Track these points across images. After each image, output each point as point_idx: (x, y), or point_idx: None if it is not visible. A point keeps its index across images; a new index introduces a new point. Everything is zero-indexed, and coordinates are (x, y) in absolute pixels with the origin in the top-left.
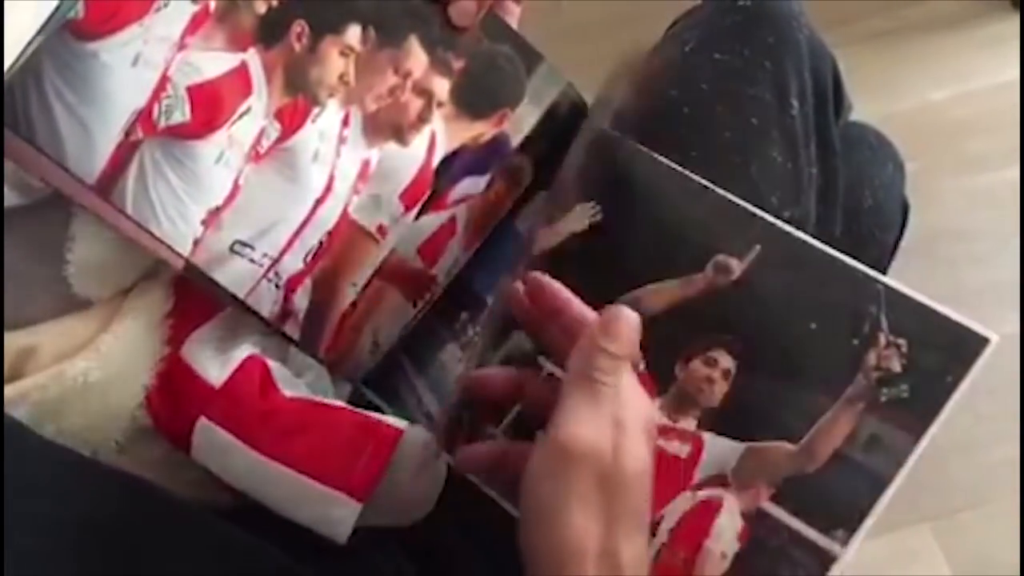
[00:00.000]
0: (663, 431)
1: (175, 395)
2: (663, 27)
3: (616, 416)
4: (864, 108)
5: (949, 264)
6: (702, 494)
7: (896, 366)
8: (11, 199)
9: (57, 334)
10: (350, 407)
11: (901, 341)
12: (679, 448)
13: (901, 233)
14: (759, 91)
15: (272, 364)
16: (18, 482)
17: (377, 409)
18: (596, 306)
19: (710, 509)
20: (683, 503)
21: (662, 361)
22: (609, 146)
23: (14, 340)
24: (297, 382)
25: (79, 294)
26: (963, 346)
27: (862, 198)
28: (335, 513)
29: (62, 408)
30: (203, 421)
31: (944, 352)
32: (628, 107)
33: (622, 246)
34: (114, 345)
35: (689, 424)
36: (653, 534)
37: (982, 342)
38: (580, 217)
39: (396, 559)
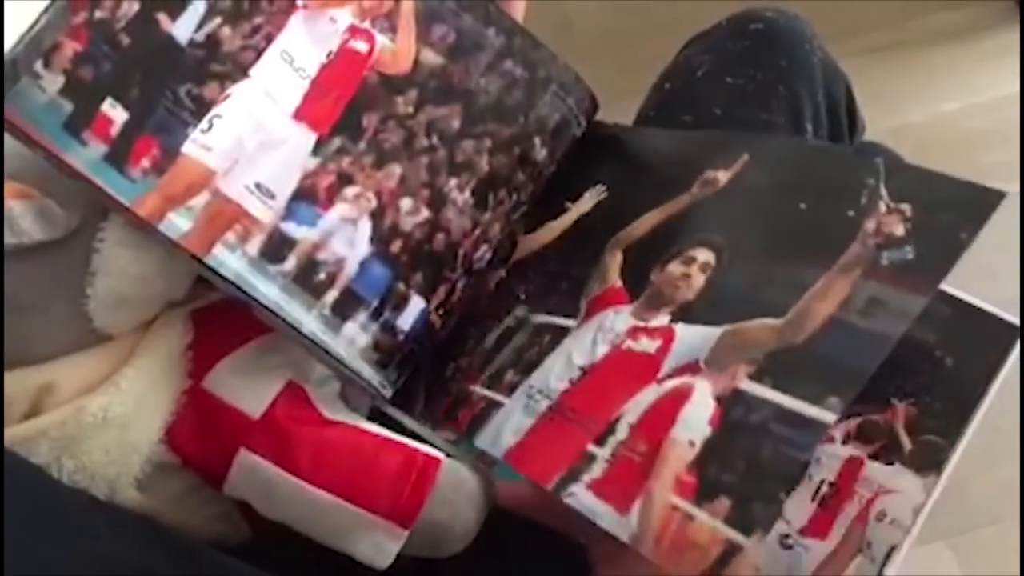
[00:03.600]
0: (631, 332)
1: (207, 429)
2: (672, 43)
3: None
4: (872, 121)
5: (958, 277)
6: (669, 384)
7: (899, 230)
8: (34, 234)
9: (77, 369)
10: (391, 433)
11: (904, 206)
12: (647, 345)
13: None
14: (773, 115)
15: (309, 389)
16: (37, 528)
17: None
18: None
19: (677, 398)
20: (647, 396)
21: (636, 273)
22: (612, 135)
23: (33, 376)
24: (334, 403)
25: (100, 329)
26: (976, 202)
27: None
28: (379, 540)
29: (81, 444)
30: (243, 453)
31: (955, 210)
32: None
33: (623, 202)
34: (134, 380)
35: (661, 320)
36: (611, 433)
37: (997, 196)
38: (589, 200)
39: None
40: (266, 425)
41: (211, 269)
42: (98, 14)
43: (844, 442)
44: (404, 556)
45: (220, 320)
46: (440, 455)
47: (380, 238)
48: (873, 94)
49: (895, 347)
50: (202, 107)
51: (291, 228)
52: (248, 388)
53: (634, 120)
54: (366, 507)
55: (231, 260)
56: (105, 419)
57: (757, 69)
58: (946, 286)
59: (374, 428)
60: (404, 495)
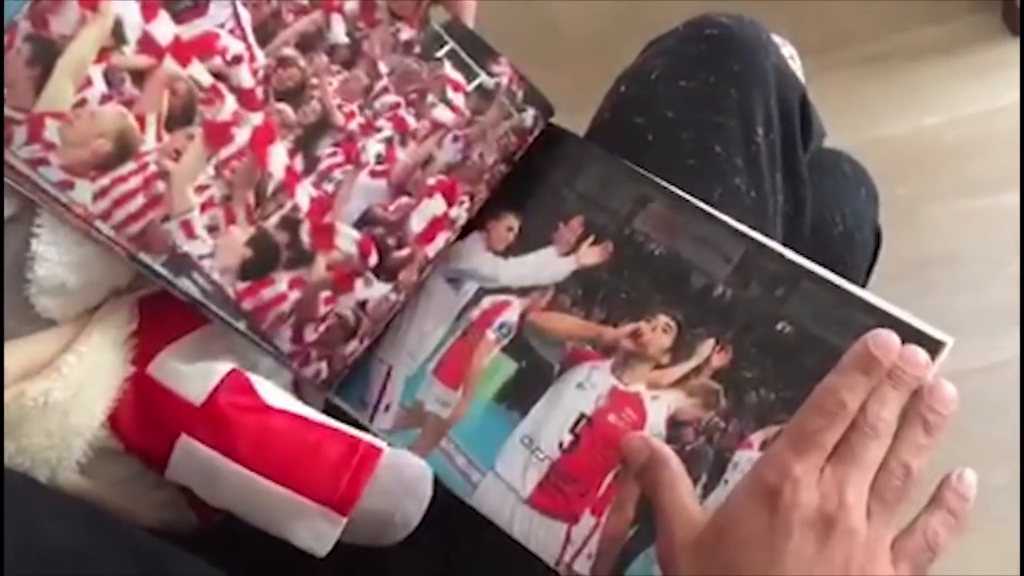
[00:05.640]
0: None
1: (148, 415)
2: None
3: None
4: (855, 132)
5: (940, 289)
6: None
7: None
8: None
9: (19, 354)
10: (334, 422)
11: None
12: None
13: (873, 260)
14: (724, 119)
15: (253, 377)
16: None
17: (343, 415)
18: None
19: None
20: None
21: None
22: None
23: None
24: (278, 391)
25: (42, 314)
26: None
27: (832, 225)
28: (318, 528)
29: (22, 428)
30: (184, 438)
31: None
32: (594, 131)
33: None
34: (76, 365)
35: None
36: None
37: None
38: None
39: None
40: (207, 411)
41: (141, 263)
42: None
43: (761, 448)
44: (351, 547)
45: (166, 308)
46: (382, 445)
47: None
48: (857, 105)
49: (815, 354)
50: None
51: None
52: (191, 375)
53: (590, 122)
54: (305, 494)
55: None
56: (46, 403)
57: (710, 73)
58: (876, 298)
59: (318, 416)
60: (343, 483)
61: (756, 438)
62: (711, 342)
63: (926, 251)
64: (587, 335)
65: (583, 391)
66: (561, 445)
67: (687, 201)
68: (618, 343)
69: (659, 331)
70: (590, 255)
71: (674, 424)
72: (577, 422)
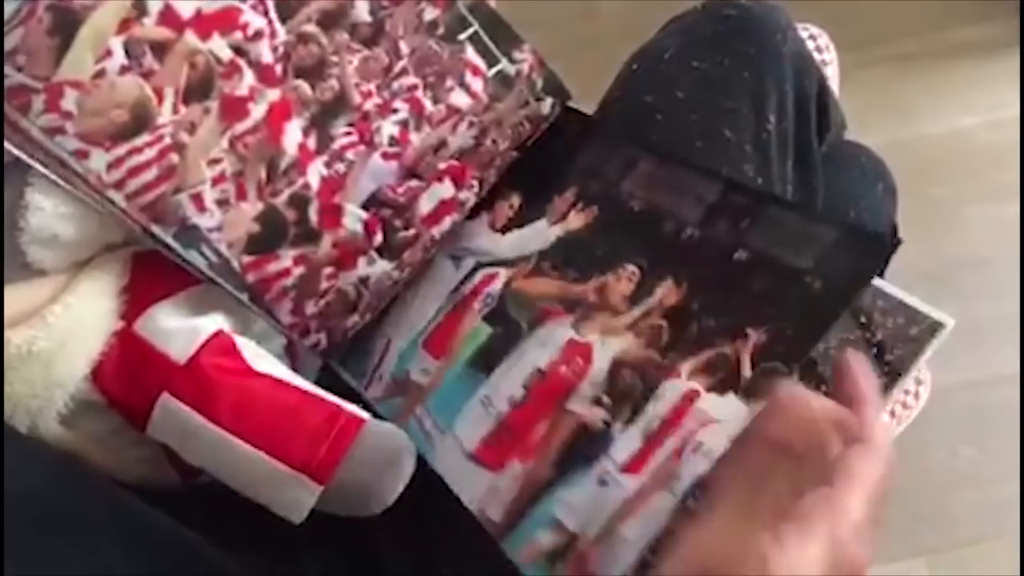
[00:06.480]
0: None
1: (132, 371)
2: None
3: None
4: (891, 130)
5: (966, 294)
6: None
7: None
8: None
9: (6, 301)
10: (318, 390)
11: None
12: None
13: (889, 256)
14: (735, 103)
15: (240, 340)
16: None
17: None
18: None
19: None
20: None
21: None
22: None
23: None
24: (266, 355)
25: (32, 264)
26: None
27: (845, 218)
28: (295, 494)
29: (5, 375)
30: (165, 397)
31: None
32: (604, 109)
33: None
34: (63, 315)
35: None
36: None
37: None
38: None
39: (327, 558)
40: (190, 371)
41: (153, 236)
42: None
43: (689, 377)
44: (332, 516)
45: (158, 266)
46: (364, 415)
47: None
48: (893, 103)
49: (765, 275)
50: None
51: None
52: (177, 334)
53: (601, 100)
54: (283, 459)
55: None
56: (29, 352)
57: (724, 55)
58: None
59: (303, 383)
60: (321, 450)
61: (685, 367)
62: (669, 282)
63: (955, 254)
64: (558, 294)
65: (543, 348)
66: (511, 399)
67: (673, 158)
68: (584, 297)
69: (623, 280)
70: (575, 220)
71: (616, 366)
72: (531, 376)
